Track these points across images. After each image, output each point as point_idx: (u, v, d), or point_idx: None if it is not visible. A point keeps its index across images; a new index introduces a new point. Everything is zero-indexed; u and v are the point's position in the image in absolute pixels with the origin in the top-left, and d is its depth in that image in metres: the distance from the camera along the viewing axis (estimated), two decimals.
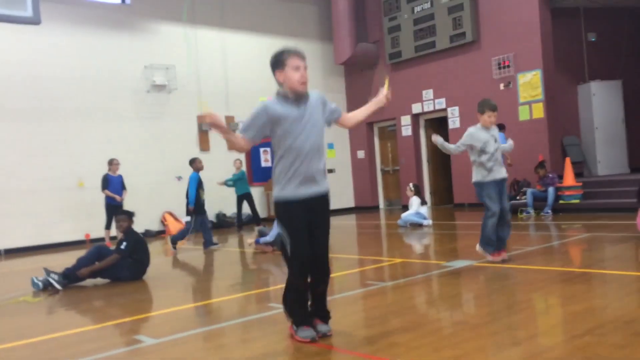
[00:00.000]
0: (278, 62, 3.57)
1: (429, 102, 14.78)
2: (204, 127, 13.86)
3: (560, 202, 10.92)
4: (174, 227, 13.46)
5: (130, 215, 7.15)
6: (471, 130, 6.04)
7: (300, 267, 3.56)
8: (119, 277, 6.70)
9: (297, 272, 3.58)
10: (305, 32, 16.02)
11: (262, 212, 14.00)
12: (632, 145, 13.43)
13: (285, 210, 3.60)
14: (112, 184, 11.23)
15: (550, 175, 11.10)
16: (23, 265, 9.49)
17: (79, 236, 12.35)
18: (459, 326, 3.87)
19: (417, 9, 14.48)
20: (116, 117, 13.00)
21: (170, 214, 13.64)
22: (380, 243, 9.54)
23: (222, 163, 13.90)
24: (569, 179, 11.00)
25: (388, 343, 3.53)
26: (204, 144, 14.26)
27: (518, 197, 11.58)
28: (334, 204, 15.30)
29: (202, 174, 9.84)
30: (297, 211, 3.56)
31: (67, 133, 12.36)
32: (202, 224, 9.68)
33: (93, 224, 12.14)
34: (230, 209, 13.94)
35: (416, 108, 15.10)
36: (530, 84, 12.47)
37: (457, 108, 14.05)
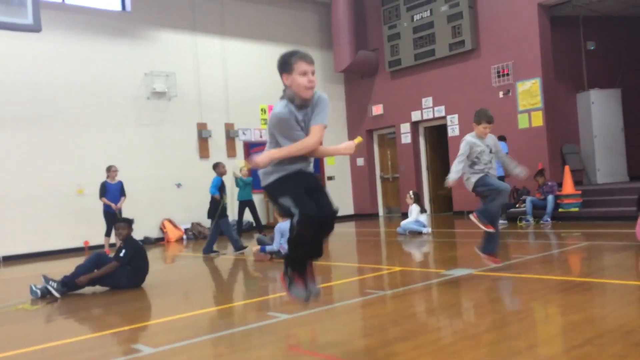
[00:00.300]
0: (285, 65, 3.53)
1: (428, 110, 14.81)
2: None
3: (560, 210, 10.91)
4: (173, 235, 13.46)
5: (129, 222, 7.14)
6: (468, 138, 6.06)
7: (310, 222, 3.45)
8: (118, 285, 6.68)
9: (306, 226, 3.47)
10: (305, 39, 16.06)
11: (262, 219, 13.96)
12: (631, 153, 13.44)
13: (281, 183, 3.56)
14: (110, 192, 11.17)
15: (549, 183, 11.10)
16: (22, 272, 9.47)
17: (78, 243, 12.33)
18: (458, 335, 3.86)
19: (417, 17, 14.54)
20: (116, 124, 13.01)
21: (170, 221, 13.62)
22: (380, 251, 9.53)
23: None
24: (568, 187, 11.00)
25: (387, 352, 3.52)
26: (204, 152, 14.27)
27: (517, 205, 11.58)
28: None
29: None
30: (293, 179, 3.55)
31: (67, 140, 12.36)
32: (225, 227, 9.75)
33: (92, 231, 12.12)
34: (229, 216, 13.86)
35: (415, 116, 15.13)
36: (529, 92, 12.49)
37: (456, 116, 14.07)
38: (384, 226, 13.57)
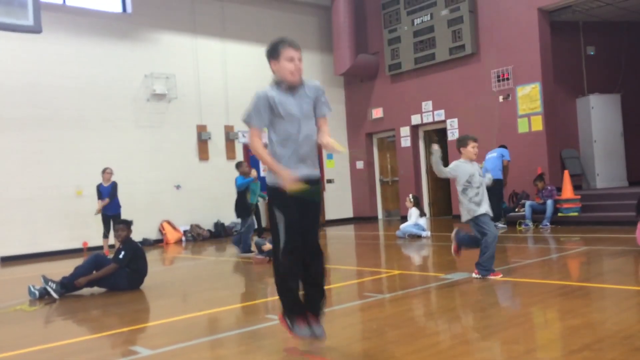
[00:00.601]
0: (273, 52, 3.63)
1: (428, 114, 14.82)
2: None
3: (559, 214, 10.92)
4: (172, 236, 13.45)
5: (128, 224, 7.13)
6: (456, 162, 6.13)
7: (291, 252, 3.53)
8: (117, 287, 6.68)
9: (286, 251, 3.54)
10: (305, 42, 16.06)
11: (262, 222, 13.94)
12: (631, 158, 13.45)
13: (281, 194, 3.55)
14: (103, 194, 11.11)
15: (548, 187, 11.10)
16: (20, 273, 9.46)
17: (76, 244, 12.33)
18: (456, 339, 3.86)
19: (417, 21, 14.56)
20: (116, 125, 13.02)
21: (169, 222, 13.61)
22: (379, 254, 9.52)
23: (221, 172, 13.93)
24: (568, 191, 11.01)
25: (385, 356, 3.52)
26: (203, 154, 14.27)
27: (517, 210, 11.58)
28: (332, 215, 15.26)
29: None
30: (294, 205, 3.54)
31: (67, 141, 12.37)
32: (247, 227, 9.78)
33: (91, 232, 12.12)
34: (228, 218, 13.89)
35: (415, 119, 15.14)
36: (529, 97, 12.51)
37: (456, 120, 14.08)
38: (383, 229, 13.56)
